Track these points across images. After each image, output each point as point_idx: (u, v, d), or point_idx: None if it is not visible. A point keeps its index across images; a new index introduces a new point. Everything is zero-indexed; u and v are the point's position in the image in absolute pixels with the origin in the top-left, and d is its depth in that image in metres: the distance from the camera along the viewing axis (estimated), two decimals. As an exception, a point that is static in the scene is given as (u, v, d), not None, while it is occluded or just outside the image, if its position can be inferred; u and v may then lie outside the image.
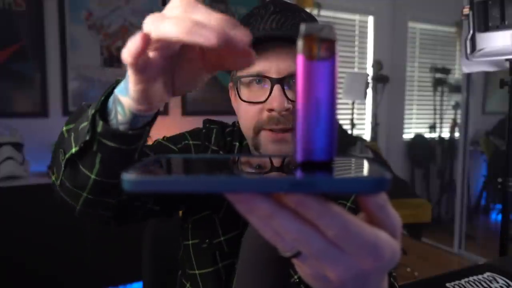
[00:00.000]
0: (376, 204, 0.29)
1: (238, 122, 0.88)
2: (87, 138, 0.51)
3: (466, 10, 1.67)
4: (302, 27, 0.26)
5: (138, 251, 1.20)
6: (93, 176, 0.55)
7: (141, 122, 0.51)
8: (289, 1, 0.81)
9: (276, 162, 0.34)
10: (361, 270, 0.28)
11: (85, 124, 0.52)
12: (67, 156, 0.55)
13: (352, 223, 0.27)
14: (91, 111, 0.51)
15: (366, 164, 0.29)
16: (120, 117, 0.50)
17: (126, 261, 2.25)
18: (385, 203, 0.29)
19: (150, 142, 0.85)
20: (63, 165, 0.57)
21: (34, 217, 2.12)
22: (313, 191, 0.25)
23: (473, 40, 1.66)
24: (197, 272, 0.82)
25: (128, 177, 0.25)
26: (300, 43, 0.27)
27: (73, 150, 0.53)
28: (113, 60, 2.70)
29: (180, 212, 0.90)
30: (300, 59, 0.27)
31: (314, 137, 0.27)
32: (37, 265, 2.12)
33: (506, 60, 1.59)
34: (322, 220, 0.26)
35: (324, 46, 0.26)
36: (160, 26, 0.33)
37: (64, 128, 0.60)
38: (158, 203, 0.79)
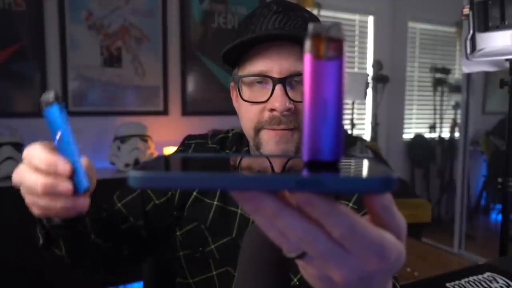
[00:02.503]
0: (382, 205, 0.28)
1: (232, 130, 0.88)
2: (41, 241, 0.66)
3: (466, 10, 1.67)
4: (310, 27, 0.26)
5: (138, 251, 1.20)
6: (66, 258, 0.68)
7: None
8: (290, 1, 0.81)
9: (279, 161, 0.34)
10: (366, 271, 0.28)
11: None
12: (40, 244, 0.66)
13: (358, 223, 0.26)
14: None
15: (372, 164, 0.29)
16: None
17: (126, 261, 2.25)
18: (391, 204, 0.29)
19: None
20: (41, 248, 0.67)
21: (34, 217, 2.12)
22: (319, 189, 0.25)
23: (473, 40, 1.66)
24: (191, 281, 0.83)
25: (135, 174, 0.25)
26: (307, 43, 0.26)
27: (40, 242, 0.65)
28: (113, 60, 2.70)
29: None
30: (307, 58, 0.27)
31: (321, 137, 0.27)
32: (36, 265, 2.12)
33: (506, 60, 1.59)
34: (328, 219, 0.26)
35: (332, 45, 0.26)
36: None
37: None
38: (149, 230, 0.84)
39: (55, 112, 0.45)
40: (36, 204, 0.50)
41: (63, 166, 0.45)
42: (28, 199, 0.50)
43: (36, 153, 0.47)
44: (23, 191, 0.50)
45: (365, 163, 0.30)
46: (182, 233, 0.84)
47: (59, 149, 0.46)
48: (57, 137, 0.44)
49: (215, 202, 0.82)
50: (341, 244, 0.27)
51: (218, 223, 0.81)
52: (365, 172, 0.28)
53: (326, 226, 0.27)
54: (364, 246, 0.27)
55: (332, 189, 0.25)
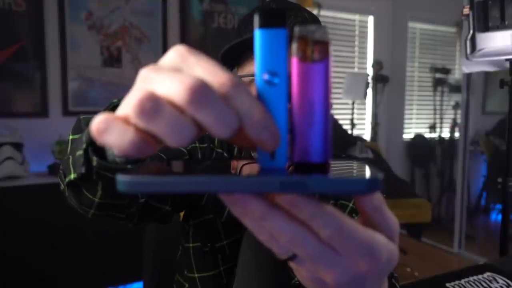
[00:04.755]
0: (372, 206, 0.28)
1: None
2: (83, 171, 0.49)
3: (466, 10, 1.67)
4: (296, 30, 0.26)
5: (138, 251, 1.20)
6: (97, 200, 0.54)
7: None
8: (290, 1, 0.81)
9: None
10: (357, 273, 0.28)
11: (80, 153, 0.49)
12: (66, 180, 0.53)
13: (346, 224, 0.26)
14: (82, 144, 0.48)
15: (361, 166, 0.29)
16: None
17: (126, 261, 2.25)
18: (381, 205, 0.28)
19: None
20: (64, 186, 0.55)
21: (34, 217, 2.12)
22: (303, 191, 0.25)
23: (473, 40, 1.66)
24: (196, 275, 0.82)
25: (122, 178, 0.25)
26: (294, 46, 0.27)
27: (72, 176, 0.51)
28: (113, 60, 2.70)
29: (181, 214, 0.89)
30: (294, 61, 0.27)
31: (308, 139, 0.27)
32: (37, 265, 2.12)
33: (506, 60, 1.59)
34: (315, 221, 0.26)
35: (317, 48, 0.26)
36: (154, 127, 0.24)
37: (70, 137, 0.58)
38: (171, 204, 0.79)
39: (280, 37, 0.26)
40: (150, 132, 0.25)
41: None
42: (143, 122, 0.24)
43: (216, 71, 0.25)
44: (141, 107, 0.23)
45: (354, 164, 0.30)
46: (195, 223, 0.83)
47: (260, 93, 0.27)
48: (265, 77, 0.27)
49: None
50: (330, 246, 0.27)
51: (233, 219, 0.79)
52: (352, 173, 0.28)
53: (314, 228, 0.26)
54: (354, 247, 0.26)
55: (317, 191, 0.25)
